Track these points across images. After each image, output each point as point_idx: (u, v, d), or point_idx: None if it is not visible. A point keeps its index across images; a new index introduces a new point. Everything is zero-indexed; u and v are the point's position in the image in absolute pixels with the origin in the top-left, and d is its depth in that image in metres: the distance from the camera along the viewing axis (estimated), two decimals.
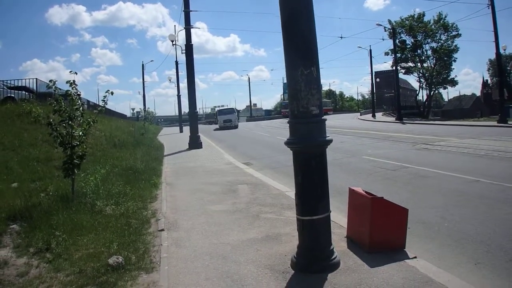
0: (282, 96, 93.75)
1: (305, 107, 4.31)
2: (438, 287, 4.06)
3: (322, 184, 4.49)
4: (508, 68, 37.31)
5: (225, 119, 46.73)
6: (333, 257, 4.59)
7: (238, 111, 67.92)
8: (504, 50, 40.67)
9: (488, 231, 5.99)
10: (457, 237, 5.85)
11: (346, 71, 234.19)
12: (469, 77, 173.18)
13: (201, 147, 21.06)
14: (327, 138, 4.48)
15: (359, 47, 63.68)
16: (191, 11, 21.63)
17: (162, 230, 6.45)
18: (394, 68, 53.35)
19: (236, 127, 45.45)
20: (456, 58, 57.07)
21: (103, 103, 9.11)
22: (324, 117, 4.53)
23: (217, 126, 49.16)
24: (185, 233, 6.31)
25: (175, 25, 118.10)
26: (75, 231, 6.12)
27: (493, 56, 41.09)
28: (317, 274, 4.42)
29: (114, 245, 5.51)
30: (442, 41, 55.34)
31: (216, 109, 66.10)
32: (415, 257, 4.81)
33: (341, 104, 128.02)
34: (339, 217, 6.30)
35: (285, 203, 7.65)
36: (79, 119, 8.15)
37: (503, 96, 34.87)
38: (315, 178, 4.44)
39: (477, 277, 4.54)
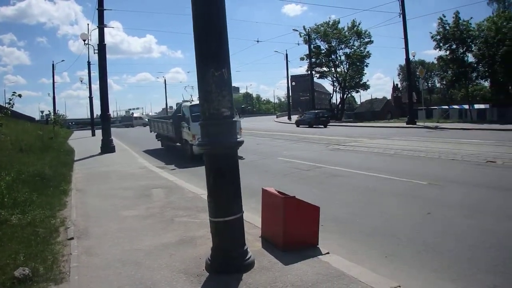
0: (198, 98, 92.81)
1: (216, 108, 4.30)
2: (350, 280, 4.21)
3: (234, 185, 4.51)
4: (417, 73, 40.02)
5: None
6: (247, 257, 4.61)
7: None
8: (413, 56, 43.82)
9: (399, 225, 6.38)
10: (368, 232, 6.17)
11: (263, 75, 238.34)
12: (380, 81, 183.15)
13: (114, 151, 20.38)
14: (238, 139, 4.51)
15: (276, 51, 65.30)
16: (105, 9, 20.94)
17: (72, 238, 6.12)
18: (309, 72, 55.33)
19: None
20: (368, 64, 59.66)
21: (9, 105, 8.57)
22: (236, 118, 4.52)
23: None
24: (96, 240, 6.05)
25: (88, 24, 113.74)
26: None
27: (403, 62, 43.93)
28: (232, 275, 4.41)
29: (21, 257, 5.14)
30: (355, 47, 57.71)
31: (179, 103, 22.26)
32: (328, 253, 4.99)
33: (258, 106, 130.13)
34: (254, 218, 6.34)
35: (201, 206, 7.57)
36: None
37: (412, 99, 37.54)
38: (227, 179, 4.44)
39: (388, 268, 4.80)
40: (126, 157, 18.29)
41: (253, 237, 5.61)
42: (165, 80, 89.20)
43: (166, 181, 10.95)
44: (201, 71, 4.37)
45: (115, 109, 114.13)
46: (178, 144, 18.52)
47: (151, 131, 23.43)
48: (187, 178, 11.40)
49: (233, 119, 4.47)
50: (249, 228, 5.78)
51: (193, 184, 10.21)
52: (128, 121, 68.95)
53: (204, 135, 4.50)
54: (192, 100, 16.67)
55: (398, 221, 6.64)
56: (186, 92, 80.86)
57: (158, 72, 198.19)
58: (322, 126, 38.69)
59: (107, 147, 20.52)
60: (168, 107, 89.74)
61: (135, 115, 79.00)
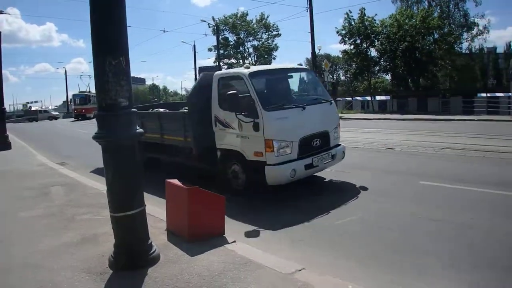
0: None
1: (114, 99, 4.12)
2: (256, 266, 4.33)
3: (135, 178, 4.40)
4: (323, 66, 41.64)
5: (309, 130, 7.58)
6: (152, 251, 4.54)
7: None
8: (319, 50, 45.22)
9: (306, 212, 6.59)
10: (277, 220, 6.31)
11: (170, 66, 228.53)
12: None
13: (10, 148, 18.83)
14: (137, 130, 4.37)
15: (183, 41, 64.47)
16: None
17: None
18: (217, 64, 55.31)
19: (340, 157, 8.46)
20: (276, 56, 60.73)
21: None
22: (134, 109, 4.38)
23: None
24: None
25: None
26: None
27: (309, 55, 45.25)
28: (137, 270, 4.33)
29: None
30: (263, 40, 58.58)
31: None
32: (235, 241, 5.07)
33: (165, 98, 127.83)
34: (160, 211, 6.23)
35: (103, 202, 7.15)
36: None
37: None
38: (127, 172, 4.31)
39: (295, 253, 5.00)
40: (23, 154, 17.01)
41: (158, 230, 5.53)
42: (65, 71, 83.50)
43: (66, 178, 10.33)
44: (98, 59, 4.17)
45: (11, 103, 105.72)
46: (176, 157, 9.84)
47: None
48: (89, 174, 10.93)
49: (132, 110, 4.33)
50: (155, 222, 5.71)
51: (95, 180, 9.72)
52: (31, 115, 64.39)
53: (101, 127, 4.31)
54: (248, 66, 8.12)
55: (308, 208, 6.88)
56: (82, 82, 76.37)
57: (58, 63, 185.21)
58: None
59: (2, 143, 18.93)
60: (69, 100, 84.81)
61: (33, 108, 73.78)
